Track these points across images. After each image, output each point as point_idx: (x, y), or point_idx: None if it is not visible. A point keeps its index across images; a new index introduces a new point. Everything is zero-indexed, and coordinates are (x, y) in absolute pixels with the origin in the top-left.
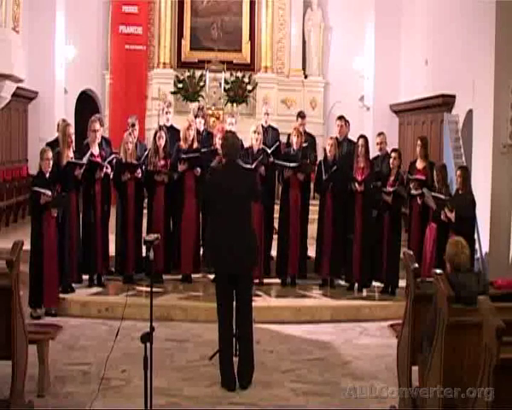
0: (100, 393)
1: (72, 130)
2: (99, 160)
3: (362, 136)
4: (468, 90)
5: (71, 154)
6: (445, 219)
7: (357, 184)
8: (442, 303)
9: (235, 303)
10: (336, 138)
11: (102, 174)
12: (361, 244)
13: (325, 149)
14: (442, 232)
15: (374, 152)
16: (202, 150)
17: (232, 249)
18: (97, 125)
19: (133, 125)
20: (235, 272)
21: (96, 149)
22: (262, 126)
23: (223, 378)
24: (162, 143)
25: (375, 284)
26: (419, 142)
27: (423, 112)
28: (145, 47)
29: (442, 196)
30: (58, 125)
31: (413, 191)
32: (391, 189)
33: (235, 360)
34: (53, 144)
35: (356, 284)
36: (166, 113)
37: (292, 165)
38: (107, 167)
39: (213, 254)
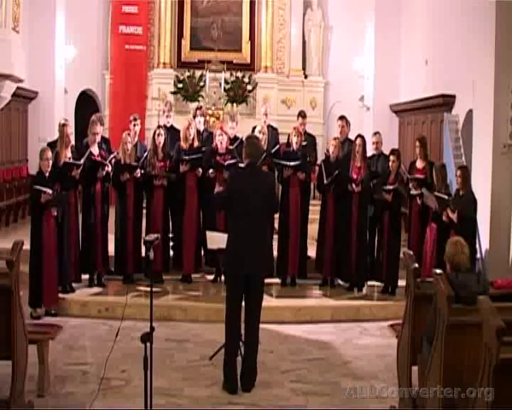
0: (100, 393)
1: (70, 130)
2: (99, 159)
3: (360, 135)
4: (468, 90)
5: (69, 154)
6: (447, 219)
7: (354, 185)
8: (442, 303)
9: (244, 307)
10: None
11: (104, 173)
12: (357, 243)
13: (327, 150)
14: (442, 232)
15: (369, 151)
16: (202, 149)
17: (246, 250)
18: (98, 128)
19: (135, 120)
20: (246, 272)
21: (95, 149)
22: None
23: (225, 381)
24: (161, 140)
25: (375, 284)
26: (418, 143)
27: (423, 112)
28: (145, 47)
29: (445, 196)
30: (59, 126)
31: (412, 191)
32: (391, 187)
33: (238, 360)
34: (53, 145)
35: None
36: (167, 115)
37: (292, 164)
38: (108, 166)
39: (227, 255)
